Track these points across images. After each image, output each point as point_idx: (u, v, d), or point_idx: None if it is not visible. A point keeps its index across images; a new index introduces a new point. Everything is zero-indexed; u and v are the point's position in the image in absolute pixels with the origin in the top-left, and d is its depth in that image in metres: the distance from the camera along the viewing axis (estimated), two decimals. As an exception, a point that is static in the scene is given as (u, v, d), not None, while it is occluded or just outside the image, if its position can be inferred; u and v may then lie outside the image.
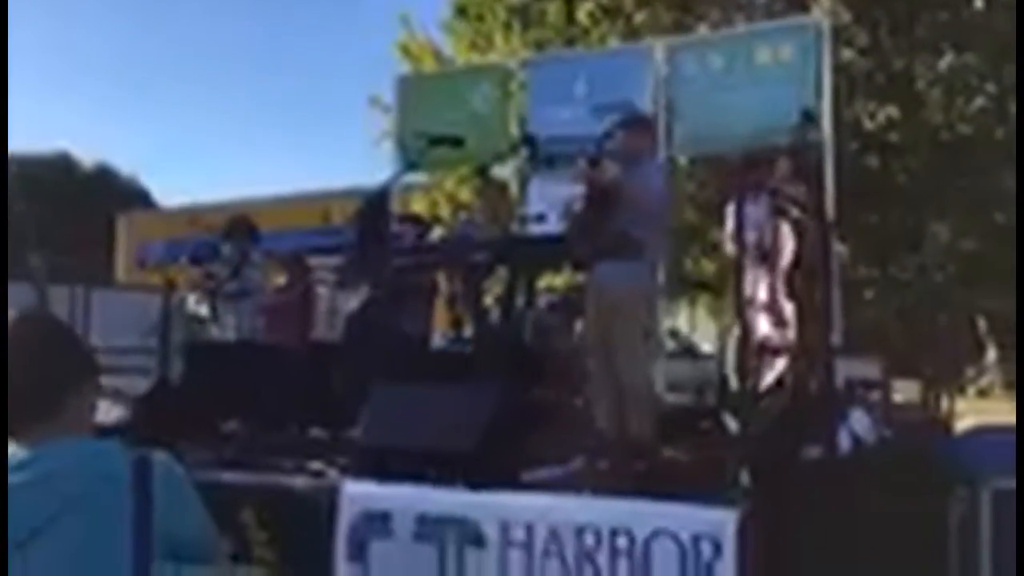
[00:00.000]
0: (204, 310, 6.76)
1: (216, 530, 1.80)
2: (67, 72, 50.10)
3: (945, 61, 9.97)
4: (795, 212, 5.10)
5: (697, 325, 11.88)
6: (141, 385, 5.83)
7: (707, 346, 9.89)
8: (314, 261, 7.68)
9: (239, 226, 6.86)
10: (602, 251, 4.89)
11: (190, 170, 52.34)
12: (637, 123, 5.23)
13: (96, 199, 27.55)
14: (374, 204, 6.37)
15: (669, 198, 5.29)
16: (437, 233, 7.28)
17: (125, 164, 34.17)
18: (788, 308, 5.10)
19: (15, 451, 1.67)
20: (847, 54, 9.43)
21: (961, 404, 9.88)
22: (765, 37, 6.82)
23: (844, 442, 4.51)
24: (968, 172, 9.89)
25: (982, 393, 10.46)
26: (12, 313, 1.73)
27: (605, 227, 4.85)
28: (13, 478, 1.63)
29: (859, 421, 4.62)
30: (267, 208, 10.69)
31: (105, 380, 1.98)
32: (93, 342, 1.85)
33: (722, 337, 5.50)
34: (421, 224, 7.17)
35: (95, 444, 1.71)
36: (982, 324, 11.42)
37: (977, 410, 9.44)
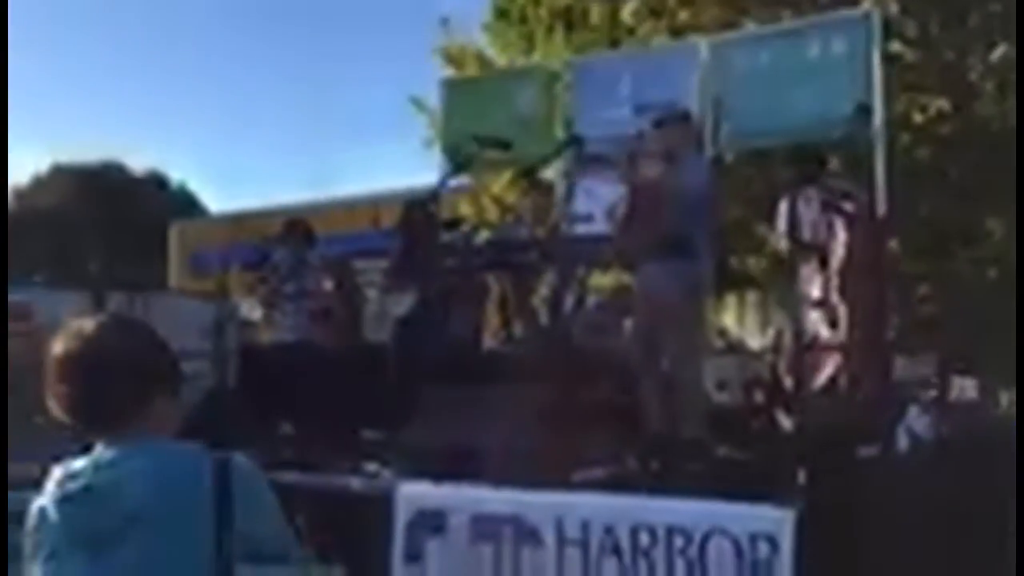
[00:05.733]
0: (257, 314, 6.86)
1: (292, 533, 1.84)
2: (119, 79, 51.11)
3: (998, 52, 9.77)
4: (847, 207, 5.04)
5: (745, 322, 11.78)
6: (198, 390, 5.93)
7: (755, 343, 9.80)
8: (364, 264, 7.76)
9: (296, 229, 6.95)
10: (648, 251, 4.89)
11: (238, 176, 53.08)
12: (672, 120, 5.20)
13: (147, 206, 28.07)
14: (421, 208, 6.43)
15: (712, 195, 5.24)
16: (484, 235, 7.31)
17: (175, 171, 34.78)
18: (841, 305, 5.04)
19: (103, 451, 1.72)
20: (896, 46, 9.28)
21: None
22: (814, 31, 6.73)
23: (902, 441, 4.45)
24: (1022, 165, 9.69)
25: (1042, 389, 10.22)
26: (98, 317, 1.79)
27: (649, 226, 4.84)
28: (103, 478, 1.67)
29: (917, 419, 4.56)
30: (316, 212, 10.81)
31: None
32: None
33: (774, 334, 5.46)
34: (464, 227, 7.21)
35: (179, 446, 1.76)
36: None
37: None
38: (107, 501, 1.65)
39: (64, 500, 1.67)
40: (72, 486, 1.67)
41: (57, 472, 1.71)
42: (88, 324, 1.74)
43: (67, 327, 1.75)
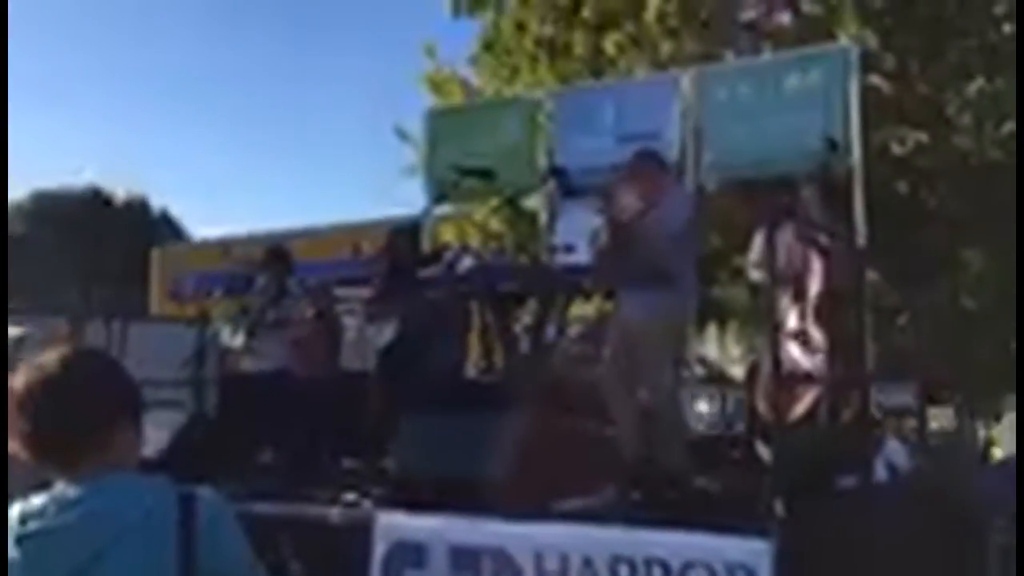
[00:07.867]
0: (238, 342, 6.82)
1: (261, 567, 1.81)
2: (98, 105, 51.16)
3: (974, 86, 9.91)
4: (821, 239, 5.08)
5: (728, 351, 11.82)
6: (177, 418, 5.89)
7: (737, 372, 9.83)
8: (343, 292, 7.73)
9: (276, 256, 6.93)
10: (628, 282, 4.90)
11: (221, 202, 53.06)
12: (645, 164, 5.15)
13: (128, 232, 27.98)
14: (404, 236, 6.45)
15: (693, 226, 5.23)
16: (467, 263, 7.32)
17: (156, 196, 34.73)
18: (818, 335, 5.06)
19: (64, 488, 1.68)
20: (874, 79, 9.42)
21: (997, 431, 9.73)
22: (793, 65, 6.84)
23: (880, 471, 4.47)
24: (999, 197, 9.80)
25: (1020, 420, 10.28)
26: (60, 349, 1.74)
27: (629, 258, 4.85)
28: (65, 516, 1.64)
29: (895, 450, 4.58)
30: (297, 239, 10.80)
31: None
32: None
33: (752, 364, 5.47)
34: (449, 255, 7.21)
35: (143, 481, 1.72)
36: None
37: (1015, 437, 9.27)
38: (69, 541, 1.62)
39: (24, 540, 1.63)
40: (32, 526, 1.64)
41: (15, 510, 1.66)
42: (48, 357, 1.71)
43: (29, 362, 1.72)
